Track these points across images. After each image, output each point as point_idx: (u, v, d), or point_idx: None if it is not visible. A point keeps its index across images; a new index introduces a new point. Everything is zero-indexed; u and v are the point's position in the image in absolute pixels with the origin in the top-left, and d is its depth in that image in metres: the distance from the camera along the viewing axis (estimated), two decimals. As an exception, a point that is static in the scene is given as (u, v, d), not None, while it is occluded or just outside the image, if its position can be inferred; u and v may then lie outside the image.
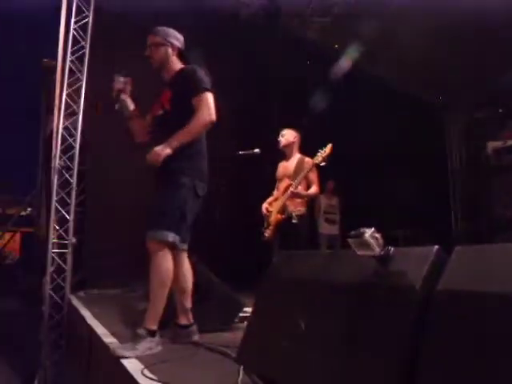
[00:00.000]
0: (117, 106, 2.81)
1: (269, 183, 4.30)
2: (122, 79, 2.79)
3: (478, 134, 8.30)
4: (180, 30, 2.82)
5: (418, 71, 7.37)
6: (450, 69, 7.10)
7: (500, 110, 8.11)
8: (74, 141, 4.74)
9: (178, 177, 2.55)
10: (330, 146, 3.76)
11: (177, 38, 2.80)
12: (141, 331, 2.46)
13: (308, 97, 6.75)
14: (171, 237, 2.48)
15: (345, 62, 6.91)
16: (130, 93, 2.84)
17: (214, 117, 2.58)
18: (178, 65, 2.79)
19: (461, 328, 1.05)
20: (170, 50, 2.74)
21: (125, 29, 5.61)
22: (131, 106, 2.83)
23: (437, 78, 7.78)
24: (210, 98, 2.60)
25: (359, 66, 7.26)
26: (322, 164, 3.75)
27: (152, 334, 2.47)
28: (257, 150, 4.08)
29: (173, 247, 2.55)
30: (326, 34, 6.95)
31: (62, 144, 4.68)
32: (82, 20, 4.82)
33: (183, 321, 2.73)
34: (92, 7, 4.88)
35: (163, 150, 2.50)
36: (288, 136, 4.09)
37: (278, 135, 4.15)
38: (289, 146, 4.08)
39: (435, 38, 6.22)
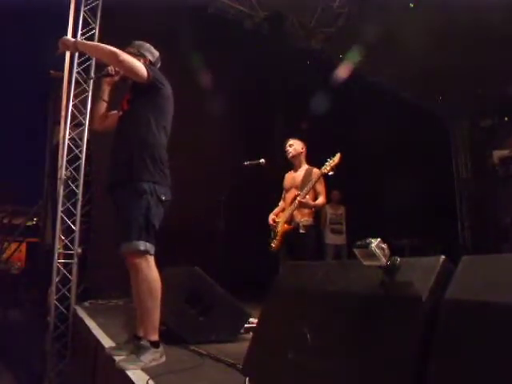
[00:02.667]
0: (93, 76, 2.79)
1: (274, 193, 4.29)
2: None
3: (483, 142, 8.28)
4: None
5: (422, 80, 7.38)
6: (455, 78, 7.10)
7: (506, 119, 8.09)
8: (80, 151, 4.76)
9: (137, 185, 2.51)
10: (338, 155, 3.71)
11: (150, 52, 2.88)
12: (144, 343, 2.43)
13: (313, 107, 6.76)
14: (142, 245, 2.45)
15: (346, 67, 6.95)
16: (113, 86, 2.85)
17: (144, 74, 2.55)
18: None
19: (468, 338, 1.04)
20: (141, 61, 2.73)
21: (131, 41, 5.65)
22: (105, 92, 2.84)
23: (441, 87, 7.78)
24: (150, 69, 2.61)
25: (363, 75, 7.28)
26: (330, 173, 3.71)
27: (155, 345, 2.45)
28: (262, 161, 4.09)
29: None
30: (330, 44, 6.99)
31: (68, 155, 4.69)
32: (88, 32, 4.87)
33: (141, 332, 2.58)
34: (98, 19, 4.95)
35: (74, 42, 2.55)
36: (296, 146, 4.07)
37: (283, 145, 4.14)
38: (297, 156, 4.07)
39: (439, 47, 6.23)
